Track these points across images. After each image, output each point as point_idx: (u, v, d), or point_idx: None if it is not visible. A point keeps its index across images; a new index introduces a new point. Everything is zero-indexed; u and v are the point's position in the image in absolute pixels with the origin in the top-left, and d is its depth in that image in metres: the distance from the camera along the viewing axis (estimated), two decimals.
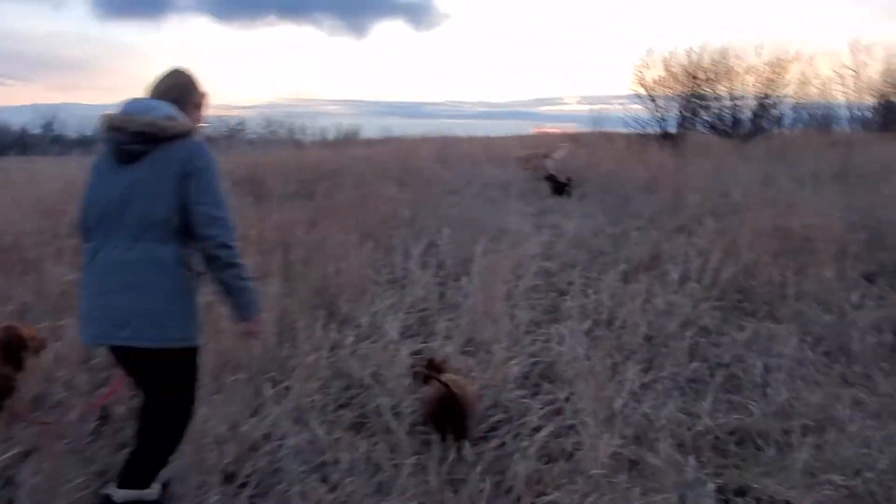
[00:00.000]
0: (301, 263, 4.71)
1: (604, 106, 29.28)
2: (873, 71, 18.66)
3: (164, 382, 1.94)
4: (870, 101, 19.15)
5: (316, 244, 5.16)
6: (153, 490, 1.96)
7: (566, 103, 43.11)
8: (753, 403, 2.91)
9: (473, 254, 4.88)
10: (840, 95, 19.29)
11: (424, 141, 18.92)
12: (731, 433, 2.75)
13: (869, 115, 19.48)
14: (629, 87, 16.76)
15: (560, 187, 8.72)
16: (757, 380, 3.14)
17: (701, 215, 6.17)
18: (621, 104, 16.89)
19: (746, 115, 16.39)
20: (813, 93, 17.86)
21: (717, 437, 2.69)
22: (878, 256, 4.92)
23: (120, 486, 1.91)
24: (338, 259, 4.71)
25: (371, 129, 27.12)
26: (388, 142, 21.86)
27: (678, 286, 4.43)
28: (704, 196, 7.02)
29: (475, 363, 3.25)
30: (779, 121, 16.69)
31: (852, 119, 20.77)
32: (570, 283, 4.70)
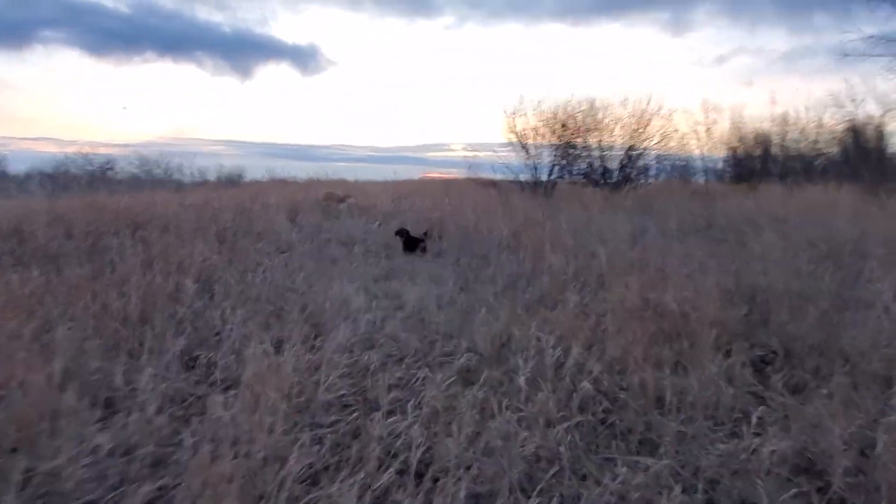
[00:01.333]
0: None
1: (480, 153, 29.41)
2: (723, 127, 19.97)
3: None
4: (720, 154, 20.55)
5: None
6: None
7: (453, 149, 43.20)
8: None
9: (259, 350, 3.46)
10: (695, 149, 20.60)
11: (285, 184, 17.34)
12: None
13: (721, 166, 21.00)
14: (502, 134, 16.29)
15: (413, 243, 7.50)
16: None
17: (563, 283, 5.16)
18: (499, 151, 16.35)
19: (615, 165, 16.48)
20: (672, 146, 18.51)
21: None
22: (765, 338, 4.05)
23: None
24: (15, 369, 3.04)
25: (257, 170, 26.85)
26: (256, 184, 20.01)
27: (528, 394, 3.23)
28: (569, 256, 6.08)
29: None
30: (645, 171, 16.95)
31: (706, 170, 22.91)
32: (391, 387, 3.40)
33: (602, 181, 16.31)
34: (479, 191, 14.30)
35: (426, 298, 5.26)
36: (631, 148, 16.36)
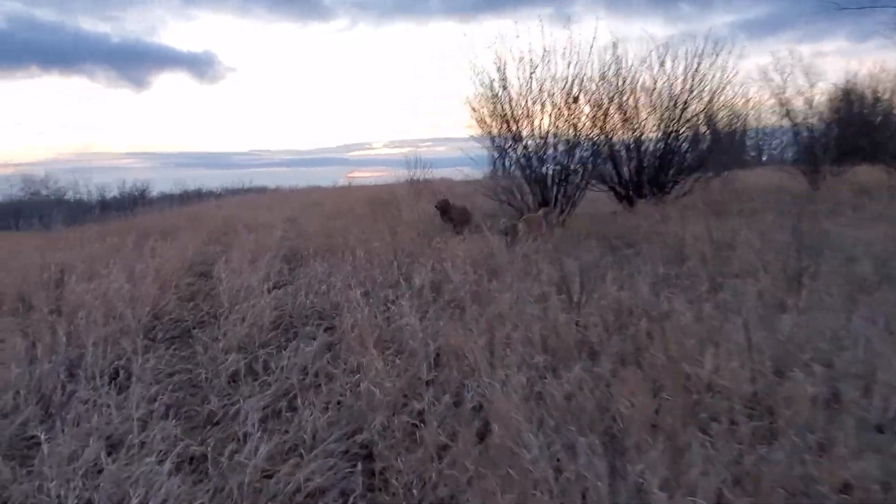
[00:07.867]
0: None
1: (402, 149, 24.31)
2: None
3: None
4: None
5: None
6: None
7: (374, 147, 37.85)
8: None
9: None
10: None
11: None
12: None
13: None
14: (474, 124, 9.16)
15: None
16: None
17: None
18: (427, 146, 9.58)
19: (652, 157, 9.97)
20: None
21: None
22: None
23: None
24: None
25: (165, 182, 22.26)
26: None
27: None
28: None
29: None
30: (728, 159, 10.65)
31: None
32: None
33: (645, 189, 9.72)
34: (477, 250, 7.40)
35: None
36: (674, 127, 9.86)
